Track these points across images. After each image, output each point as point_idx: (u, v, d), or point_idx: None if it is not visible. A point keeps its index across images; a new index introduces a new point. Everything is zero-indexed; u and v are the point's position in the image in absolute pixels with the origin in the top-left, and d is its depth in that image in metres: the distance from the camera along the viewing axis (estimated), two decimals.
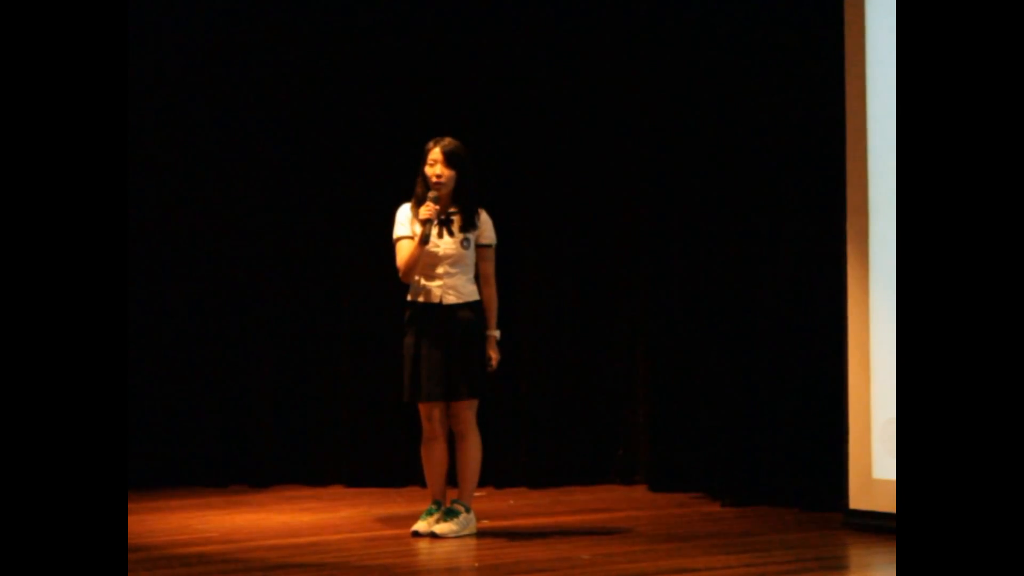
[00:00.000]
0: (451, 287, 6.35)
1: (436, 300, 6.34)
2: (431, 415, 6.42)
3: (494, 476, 7.96)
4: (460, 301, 6.35)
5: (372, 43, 8.43)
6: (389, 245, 6.45)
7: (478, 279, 6.44)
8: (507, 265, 7.92)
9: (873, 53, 6.46)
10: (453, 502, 6.44)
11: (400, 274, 6.37)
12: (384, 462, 8.23)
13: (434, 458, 6.48)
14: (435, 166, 6.32)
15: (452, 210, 6.36)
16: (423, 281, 6.36)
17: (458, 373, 6.31)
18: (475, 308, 6.38)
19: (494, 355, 6.39)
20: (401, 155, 7.10)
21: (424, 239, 6.26)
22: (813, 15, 7.03)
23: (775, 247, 7.29)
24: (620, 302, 8.37)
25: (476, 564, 5.92)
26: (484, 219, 6.42)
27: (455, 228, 6.35)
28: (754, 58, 7.40)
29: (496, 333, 6.40)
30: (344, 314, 8.44)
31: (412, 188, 6.42)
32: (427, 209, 6.26)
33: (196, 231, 8.54)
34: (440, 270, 6.34)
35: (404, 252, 6.34)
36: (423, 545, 6.28)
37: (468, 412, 6.38)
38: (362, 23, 8.46)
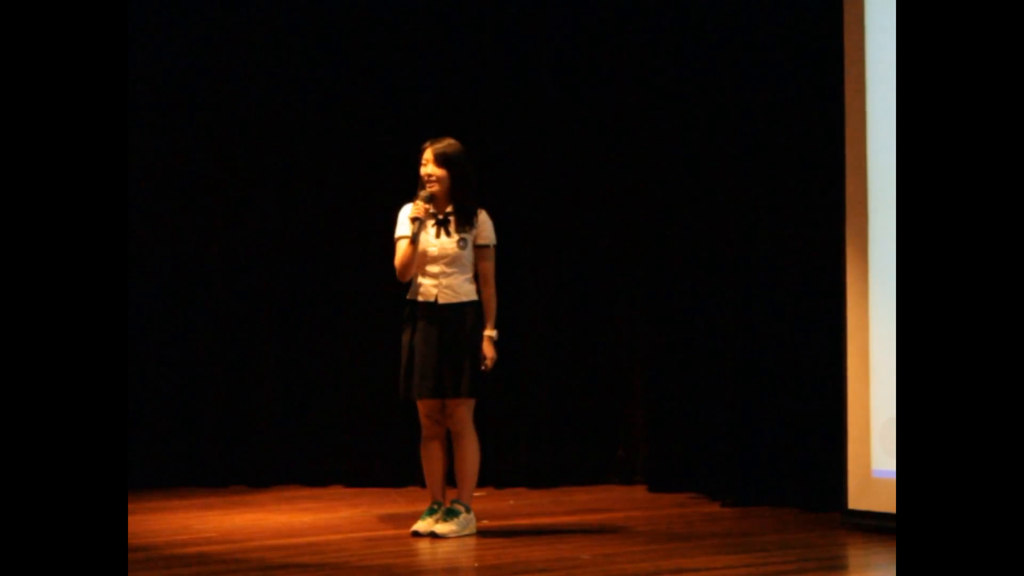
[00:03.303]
0: (447, 286, 6.36)
1: (432, 299, 6.36)
2: (428, 413, 6.44)
3: (494, 476, 7.96)
4: (456, 301, 6.36)
5: (372, 43, 8.43)
6: (391, 245, 6.46)
7: (479, 279, 6.45)
8: (507, 265, 7.92)
9: (873, 53, 6.47)
10: (453, 502, 6.45)
11: (396, 273, 6.39)
12: (384, 462, 8.23)
13: (432, 457, 6.49)
14: (427, 165, 6.37)
15: (448, 210, 6.38)
16: (420, 280, 6.39)
17: (449, 371, 6.32)
18: (472, 308, 6.38)
19: (489, 355, 6.37)
20: (401, 155, 7.10)
21: (413, 237, 6.29)
22: (813, 15, 7.03)
23: (774, 246, 7.29)
24: (620, 302, 8.37)
25: (476, 564, 5.92)
26: (482, 219, 6.43)
27: (452, 228, 6.37)
28: (754, 58, 7.40)
29: (492, 333, 6.39)
30: (344, 314, 8.44)
31: (413, 188, 6.45)
32: (416, 208, 6.31)
33: (197, 231, 8.53)
34: (436, 269, 6.36)
35: (400, 251, 6.37)
36: (423, 545, 6.29)
37: (462, 412, 6.38)
38: (362, 22, 8.45)
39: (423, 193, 6.34)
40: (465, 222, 6.38)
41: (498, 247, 6.55)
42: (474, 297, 6.41)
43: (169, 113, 8.55)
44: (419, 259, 6.37)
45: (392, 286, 6.63)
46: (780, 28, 7.27)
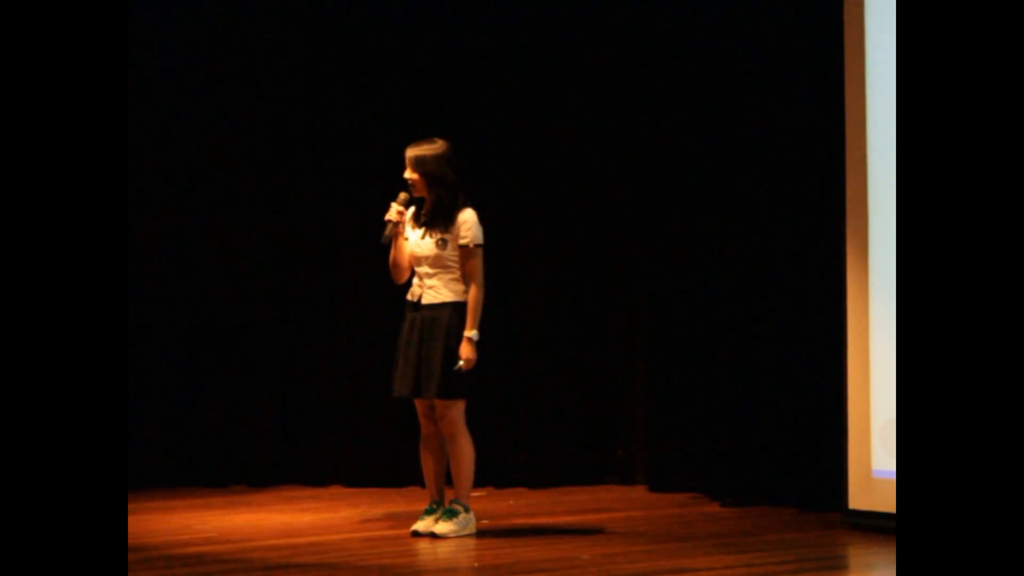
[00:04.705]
0: (430, 287, 6.40)
1: (415, 299, 6.42)
2: (424, 412, 6.47)
3: (494, 476, 7.96)
4: (438, 301, 6.37)
5: (372, 43, 8.43)
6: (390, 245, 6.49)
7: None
8: (506, 265, 7.94)
9: (873, 53, 6.47)
10: (452, 502, 6.45)
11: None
12: (384, 462, 8.23)
13: (427, 457, 6.51)
14: (406, 170, 6.43)
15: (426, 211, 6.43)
16: (412, 280, 6.47)
17: (426, 372, 6.33)
18: (455, 308, 6.37)
19: (465, 355, 6.29)
20: (401, 156, 7.10)
21: (386, 239, 6.37)
22: (813, 15, 7.03)
23: (775, 247, 7.29)
24: (619, 302, 8.37)
25: (476, 564, 5.93)
26: (462, 219, 6.38)
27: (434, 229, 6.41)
28: (754, 58, 7.39)
29: (472, 334, 6.32)
30: (344, 314, 8.44)
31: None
32: (390, 211, 6.39)
33: (196, 231, 8.54)
34: (420, 270, 6.42)
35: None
36: (423, 545, 6.29)
37: (450, 413, 6.36)
38: (363, 22, 8.46)
39: (403, 196, 6.42)
40: (443, 222, 6.38)
41: (499, 246, 6.54)
42: (460, 298, 6.39)
43: (168, 112, 8.55)
44: (410, 260, 6.45)
45: (391, 286, 6.64)
46: (780, 28, 7.27)
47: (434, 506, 6.47)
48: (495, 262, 6.63)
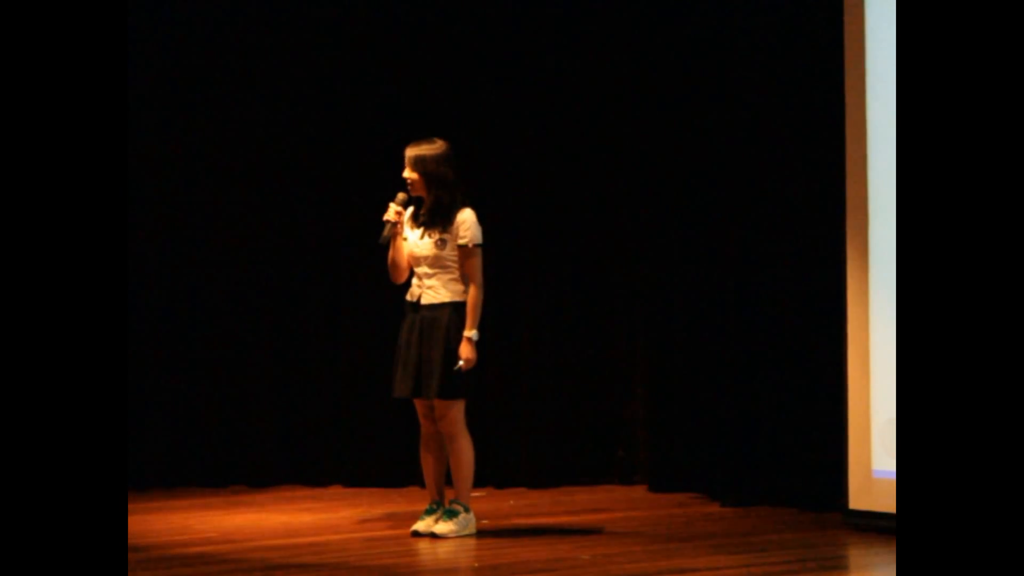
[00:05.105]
0: (429, 287, 6.40)
1: (415, 299, 6.43)
2: (423, 412, 6.48)
3: (494, 476, 7.96)
4: (437, 301, 6.37)
5: (373, 43, 8.43)
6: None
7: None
8: (507, 265, 7.94)
9: (873, 53, 6.47)
10: (451, 502, 6.45)
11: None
12: (384, 462, 8.23)
13: (427, 457, 6.51)
14: (405, 169, 6.43)
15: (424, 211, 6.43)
16: (412, 280, 6.47)
17: (426, 372, 6.33)
18: (454, 308, 6.37)
19: (464, 355, 6.29)
20: (401, 156, 7.10)
21: (385, 239, 6.38)
22: (813, 15, 7.03)
23: (775, 247, 7.29)
24: (620, 302, 8.37)
25: (476, 564, 5.93)
26: (460, 219, 6.38)
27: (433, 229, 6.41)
28: (754, 58, 7.40)
29: (471, 333, 6.32)
30: (344, 314, 8.43)
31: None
32: (388, 211, 6.40)
33: (196, 231, 8.53)
34: (420, 270, 6.43)
35: None
36: (423, 545, 6.29)
37: (449, 413, 6.36)
38: (363, 22, 8.46)
39: (401, 196, 6.43)
40: (441, 222, 6.38)
41: (500, 247, 6.54)
42: (459, 298, 6.38)
43: (169, 113, 8.55)
44: (410, 260, 6.45)
45: (391, 287, 6.64)
46: (780, 28, 7.27)
47: (434, 506, 6.48)
48: (495, 262, 6.63)
